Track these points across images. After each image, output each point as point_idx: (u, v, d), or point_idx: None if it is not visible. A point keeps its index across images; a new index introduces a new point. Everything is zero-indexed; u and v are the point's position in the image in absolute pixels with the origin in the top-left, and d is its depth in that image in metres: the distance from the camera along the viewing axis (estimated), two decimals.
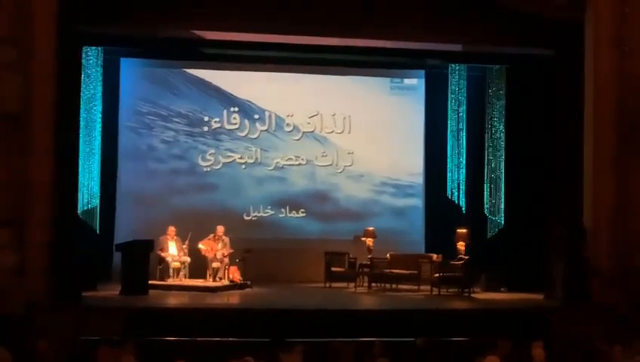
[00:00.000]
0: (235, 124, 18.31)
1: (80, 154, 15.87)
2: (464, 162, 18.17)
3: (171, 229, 16.58)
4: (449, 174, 18.23)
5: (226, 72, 18.31)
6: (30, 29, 13.09)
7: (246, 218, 18.20)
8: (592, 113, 14.43)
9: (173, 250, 16.43)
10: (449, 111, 18.22)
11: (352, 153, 18.59)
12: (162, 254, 16.26)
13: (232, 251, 16.42)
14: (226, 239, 16.50)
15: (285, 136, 18.48)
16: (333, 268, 17.12)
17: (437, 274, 16.17)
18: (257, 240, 17.36)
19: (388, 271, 16.71)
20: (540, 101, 16.59)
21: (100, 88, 16.90)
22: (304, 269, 17.72)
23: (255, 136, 18.37)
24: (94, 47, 16.60)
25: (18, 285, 12.57)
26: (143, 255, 15.34)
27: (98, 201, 16.86)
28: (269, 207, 18.33)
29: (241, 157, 18.30)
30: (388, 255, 16.99)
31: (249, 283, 16.21)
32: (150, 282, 15.45)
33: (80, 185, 15.99)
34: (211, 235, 16.47)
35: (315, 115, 18.53)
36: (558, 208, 15.50)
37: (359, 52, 16.88)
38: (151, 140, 18.03)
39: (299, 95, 18.42)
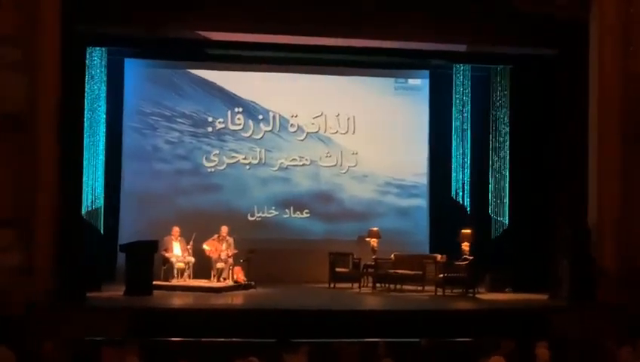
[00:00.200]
0: (240, 124, 18.31)
1: (84, 155, 15.92)
2: (469, 162, 18.16)
3: (175, 230, 16.57)
4: (453, 174, 18.22)
5: (230, 73, 18.31)
6: (34, 29, 13.11)
7: (250, 218, 18.20)
8: (597, 113, 14.42)
9: (177, 251, 16.43)
10: (453, 112, 18.22)
11: (357, 153, 18.58)
12: (166, 255, 16.26)
13: (236, 252, 16.41)
14: (230, 239, 16.50)
15: (289, 137, 18.47)
16: (337, 269, 17.11)
17: (441, 275, 16.14)
18: (261, 240, 17.36)
19: (392, 271, 16.68)
20: (544, 101, 16.58)
21: (104, 89, 16.92)
22: (308, 270, 17.70)
23: (259, 136, 18.37)
24: (98, 48, 16.64)
25: (22, 285, 12.57)
26: (147, 255, 15.33)
27: (102, 202, 16.89)
28: (273, 208, 18.33)
29: (245, 158, 18.30)
30: (392, 255, 16.96)
31: (253, 283, 16.21)
32: (154, 282, 15.43)
33: (84, 186, 16.05)
34: (215, 236, 16.47)
35: (319, 116, 18.52)
36: (563, 208, 15.49)
37: (363, 52, 16.88)
38: (155, 141, 18.03)
39: (303, 95, 18.42)
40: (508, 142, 17.65)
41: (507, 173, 17.66)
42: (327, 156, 18.55)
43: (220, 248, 16.33)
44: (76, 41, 14.39)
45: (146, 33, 15.76)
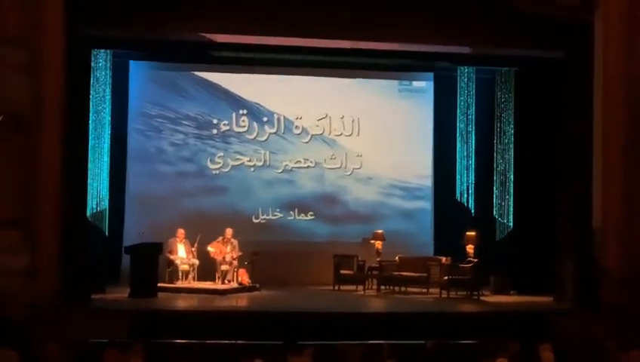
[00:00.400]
0: (244, 126, 18.32)
1: (89, 157, 15.92)
2: (473, 164, 18.15)
3: (180, 232, 16.58)
4: (458, 177, 18.22)
5: (235, 75, 18.32)
6: (39, 31, 13.13)
7: (255, 221, 18.20)
8: (601, 115, 14.41)
9: (182, 253, 16.44)
10: (458, 114, 18.22)
11: (361, 156, 18.57)
12: (171, 257, 16.27)
13: (240, 254, 16.42)
14: (235, 242, 16.51)
15: (294, 139, 18.48)
16: (342, 271, 17.10)
17: (446, 277, 16.15)
18: (266, 242, 17.36)
19: (397, 273, 16.69)
20: (548, 103, 16.56)
21: (108, 91, 16.92)
22: (313, 272, 17.71)
23: (264, 138, 18.37)
24: (103, 50, 16.64)
25: (26, 287, 12.58)
26: (152, 257, 15.34)
27: (107, 204, 16.88)
28: (278, 210, 18.32)
29: (250, 160, 18.31)
30: (397, 257, 16.97)
31: (258, 285, 16.21)
32: (159, 284, 15.44)
33: (89, 188, 16.04)
34: (220, 238, 16.49)
35: (323, 118, 18.53)
36: (567, 210, 15.48)
37: (368, 54, 16.84)
38: (160, 143, 18.05)
39: (307, 97, 18.43)
40: (512, 145, 17.62)
41: (512, 176, 17.63)
42: (331, 158, 18.54)
43: (224, 250, 16.35)
44: (81, 43, 14.40)
45: (151, 35, 15.77)
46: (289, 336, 11.14)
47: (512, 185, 17.64)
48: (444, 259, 16.77)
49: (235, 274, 16.25)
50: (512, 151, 17.63)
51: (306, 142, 18.50)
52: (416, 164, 18.62)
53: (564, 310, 14.18)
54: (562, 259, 15.03)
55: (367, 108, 18.57)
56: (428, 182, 18.66)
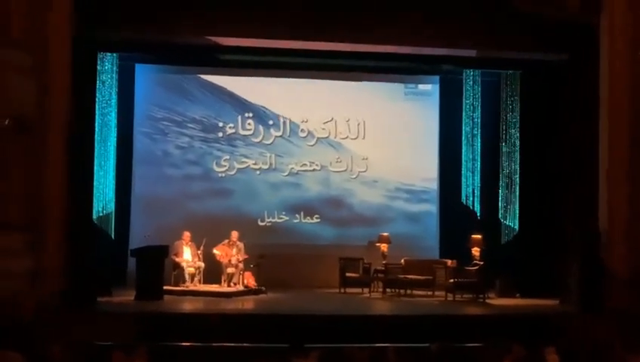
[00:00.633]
0: (250, 129, 18.34)
1: (95, 160, 15.96)
2: (479, 167, 18.14)
3: (186, 235, 16.60)
4: (463, 180, 18.20)
5: (241, 78, 18.34)
6: (45, 35, 13.15)
7: (260, 223, 18.21)
8: (607, 117, 14.41)
9: (187, 256, 16.46)
10: (463, 117, 18.20)
11: (367, 159, 18.58)
12: (177, 259, 16.29)
13: (246, 257, 16.44)
14: (241, 244, 16.53)
15: (300, 142, 18.48)
16: (347, 274, 17.11)
17: (452, 280, 16.14)
18: (272, 245, 17.36)
19: (402, 276, 16.70)
20: (554, 106, 16.56)
21: (114, 94, 16.94)
22: (318, 275, 17.70)
23: (269, 141, 18.38)
24: (109, 53, 16.67)
25: (32, 289, 12.60)
26: (157, 260, 15.36)
27: (113, 207, 16.90)
28: (284, 213, 18.33)
29: (255, 163, 18.32)
30: (402, 260, 16.98)
31: (263, 288, 16.23)
32: (165, 287, 15.46)
33: (95, 191, 16.08)
34: (226, 241, 16.50)
35: (329, 121, 18.54)
36: (573, 212, 15.47)
37: (373, 58, 16.86)
38: (166, 146, 18.07)
39: (313, 101, 18.45)
40: (518, 147, 17.61)
41: (517, 178, 17.62)
42: (337, 161, 18.55)
43: (230, 253, 16.37)
44: (87, 46, 14.45)
45: (157, 38, 15.78)
46: (295, 339, 11.13)
47: (517, 187, 17.62)
48: (449, 261, 16.77)
49: (240, 276, 16.27)
50: (518, 153, 17.62)
51: (312, 145, 18.51)
52: (421, 167, 18.63)
53: (569, 313, 14.16)
54: (568, 261, 15.01)
55: (372, 111, 18.58)
56: (433, 184, 18.66)
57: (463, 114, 18.18)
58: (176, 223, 17.25)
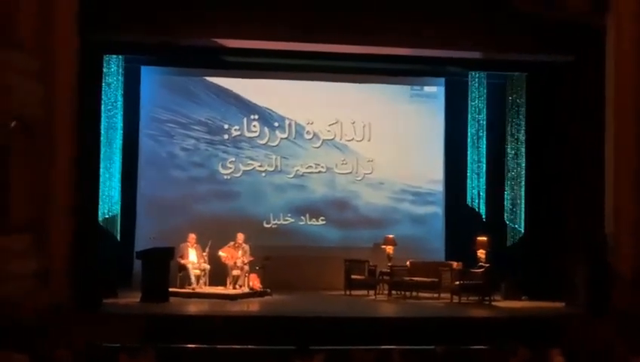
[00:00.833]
0: (255, 131, 18.34)
1: (101, 162, 15.98)
2: (484, 169, 18.09)
3: (192, 237, 16.61)
4: (469, 182, 18.16)
5: (246, 80, 18.34)
6: (51, 38, 13.19)
7: (266, 225, 18.20)
8: (613, 118, 14.40)
9: (193, 258, 16.46)
10: (469, 119, 18.16)
11: (372, 161, 18.57)
12: (182, 261, 16.29)
13: (252, 259, 16.44)
14: (246, 247, 16.53)
15: (305, 144, 18.49)
16: (353, 276, 17.12)
17: (457, 282, 16.13)
18: (277, 247, 17.37)
19: (408, 278, 16.69)
20: (560, 108, 16.55)
21: (120, 96, 16.95)
22: (324, 277, 17.71)
23: (275, 143, 18.38)
24: (115, 56, 16.68)
25: (38, 291, 12.60)
26: (163, 262, 15.38)
27: (119, 208, 16.91)
28: (289, 215, 18.33)
29: (261, 165, 18.32)
30: (408, 262, 16.98)
31: (269, 290, 16.24)
32: (170, 289, 15.48)
33: (101, 193, 16.09)
34: (231, 243, 16.50)
35: (334, 123, 18.53)
36: (579, 215, 15.45)
37: (379, 60, 16.88)
38: (171, 148, 18.08)
39: (319, 103, 18.44)
40: (524, 149, 17.60)
41: (523, 180, 17.60)
42: (342, 163, 18.55)
43: (235, 255, 16.36)
44: (93, 48, 14.47)
45: (162, 41, 15.80)
46: (300, 341, 11.13)
47: (523, 190, 17.60)
48: (455, 264, 16.76)
49: (246, 278, 16.27)
50: (524, 156, 17.61)
51: (317, 148, 18.51)
52: (427, 169, 18.61)
53: (575, 315, 14.14)
54: (574, 263, 14.99)
55: (378, 113, 18.57)
56: (439, 187, 18.65)
57: (469, 116, 18.15)
58: (181, 225, 17.28)
